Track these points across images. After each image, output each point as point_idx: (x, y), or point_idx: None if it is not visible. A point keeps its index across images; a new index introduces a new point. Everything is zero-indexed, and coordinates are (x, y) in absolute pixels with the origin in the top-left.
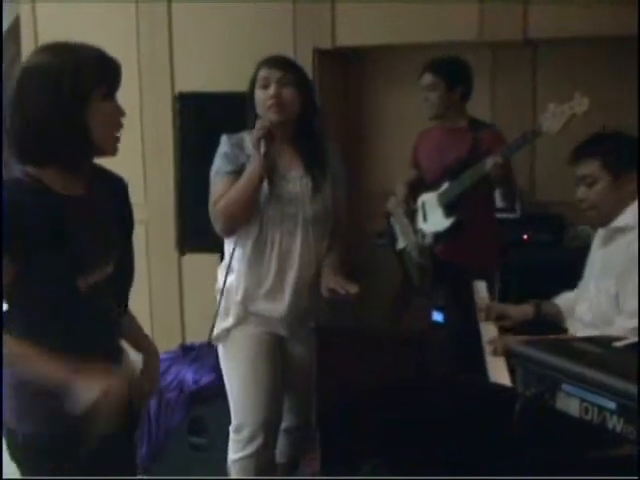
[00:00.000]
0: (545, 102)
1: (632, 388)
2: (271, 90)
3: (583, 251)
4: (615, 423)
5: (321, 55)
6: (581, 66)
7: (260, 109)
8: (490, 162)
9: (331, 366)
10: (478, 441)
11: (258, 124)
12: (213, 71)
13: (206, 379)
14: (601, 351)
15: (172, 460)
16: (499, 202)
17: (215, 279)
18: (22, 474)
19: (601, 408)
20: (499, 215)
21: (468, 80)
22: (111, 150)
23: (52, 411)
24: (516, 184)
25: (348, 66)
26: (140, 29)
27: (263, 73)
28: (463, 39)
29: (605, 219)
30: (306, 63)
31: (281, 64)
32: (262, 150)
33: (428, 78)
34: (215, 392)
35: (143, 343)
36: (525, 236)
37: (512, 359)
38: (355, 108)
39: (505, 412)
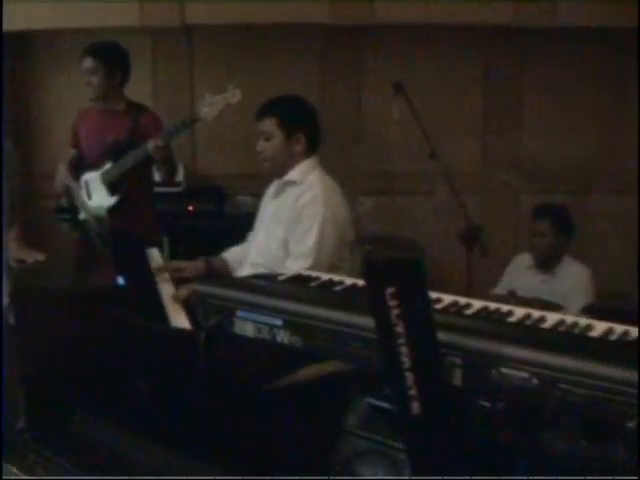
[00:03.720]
0: (202, 86)
1: (294, 306)
2: None
3: (242, 218)
4: (283, 336)
5: None
6: (233, 52)
7: None
8: (151, 145)
9: (30, 328)
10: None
11: None
12: None
13: None
14: (268, 283)
15: None
16: (160, 178)
17: None
18: None
19: (271, 326)
20: (165, 190)
21: (126, 65)
22: None
23: None
24: (176, 161)
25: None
26: None
27: None
28: (125, 24)
29: (279, 171)
30: None
31: None
32: None
33: (88, 62)
34: None
35: None
36: (190, 207)
37: (194, 298)
38: (23, 91)
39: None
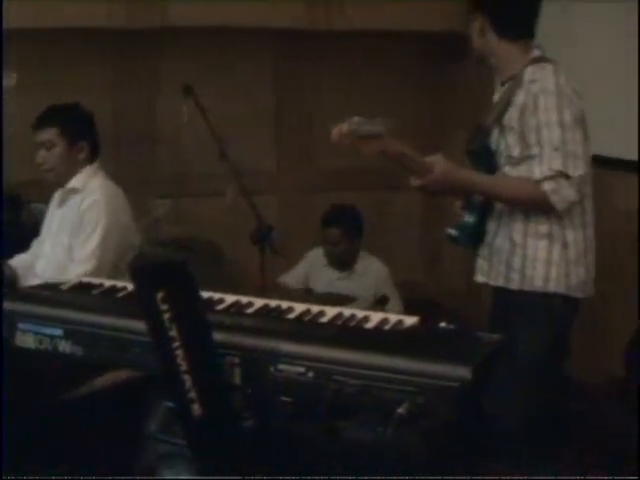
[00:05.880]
0: None
1: (74, 315)
2: None
3: (38, 226)
4: (64, 346)
5: None
6: (23, 56)
7: None
8: None
9: None
10: None
11: None
12: None
13: None
14: (49, 293)
15: None
16: None
17: None
18: None
19: (52, 337)
20: None
21: None
22: None
23: None
24: None
25: None
26: None
27: None
28: None
29: (61, 180)
30: None
31: None
32: None
33: None
34: None
35: None
36: None
37: None
38: None
39: None
